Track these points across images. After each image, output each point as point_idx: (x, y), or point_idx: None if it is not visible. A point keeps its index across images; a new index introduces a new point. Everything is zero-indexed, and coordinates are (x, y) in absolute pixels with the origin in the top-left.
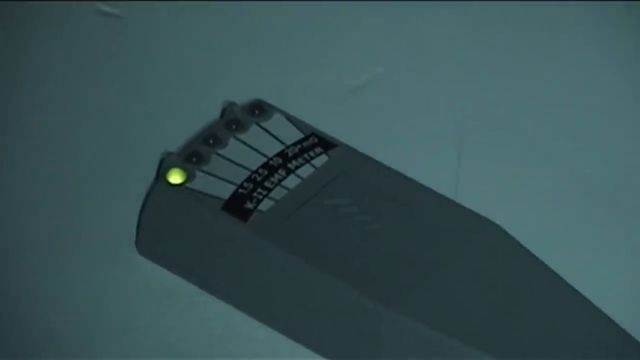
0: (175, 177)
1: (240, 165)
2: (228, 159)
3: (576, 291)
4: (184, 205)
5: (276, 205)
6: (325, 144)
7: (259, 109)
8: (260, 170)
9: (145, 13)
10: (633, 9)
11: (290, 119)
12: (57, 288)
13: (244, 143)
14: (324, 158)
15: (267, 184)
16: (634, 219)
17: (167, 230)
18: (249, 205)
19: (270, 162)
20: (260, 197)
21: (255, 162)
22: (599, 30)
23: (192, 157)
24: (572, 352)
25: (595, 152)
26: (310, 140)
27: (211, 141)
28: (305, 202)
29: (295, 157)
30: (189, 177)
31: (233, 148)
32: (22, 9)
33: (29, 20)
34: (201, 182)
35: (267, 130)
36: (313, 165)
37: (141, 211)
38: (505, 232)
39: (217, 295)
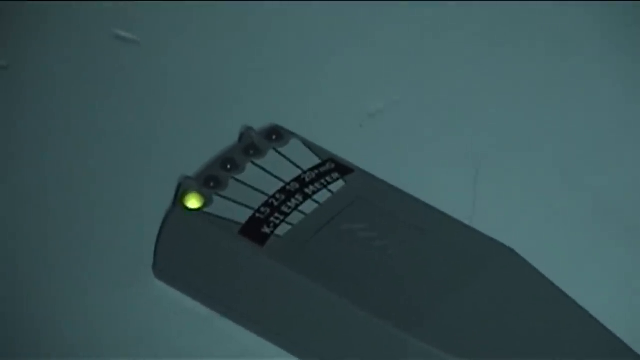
0: (193, 202)
1: (257, 190)
2: (245, 184)
3: (593, 317)
4: (201, 229)
5: (293, 230)
6: (342, 169)
7: (276, 134)
8: (277, 195)
9: (162, 38)
10: None
11: (307, 144)
12: (75, 311)
13: (261, 168)
14: (340, 183)
15: (284, 208)
16: None
17: (184, 255)
18: (266, 230)
19: (288, 187)
20: (278, 221)
21: (272, 187)
22: (616, 52)
23: (209, 181)
24: None
25: (611, 177)
26: (327, 166)
27: (229, 166)
28: (322, 227)
29: (312, 182)
30: (207, 201)
31: (250, 173)
32: (39, 34)
33: (45, 45)
34: (218, 207)
35: (284, 156)
36: (330, 191)
37: (158, 235)
38: (520, 258)
39: (234, 319)
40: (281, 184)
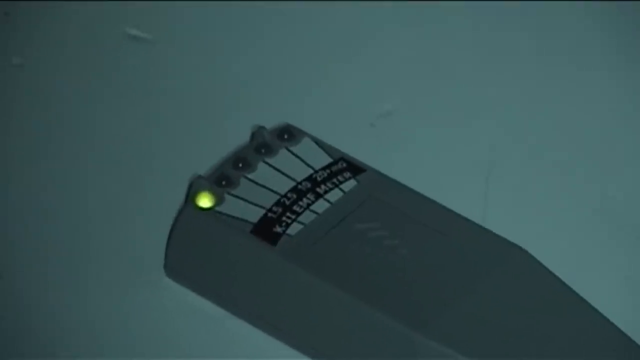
0: (205, 201)
1: (269, 189)
2: (257, 183)
3: (605, 318)
4: (213, 228)
5: (305, 229)
6: (354, 168)
7: (288, 134)
8: (289, 195)
9: (175, 37)
10: None
11: (319, 143)
12: (86, 310)
13: (273, 167)
14: (352, 183)
15: (296, 208)
16: None
17: (196, 254)
18: (278, 229)
19: (299, 186)
20: (289, 221)
21: (284, 186)
22: (627, 56)
23: (221, 180)
24: None
25: (624, 178)
26: (339, 165)
27: (240, 165)
28: (333, 227)
29: (324, 181)
30: (218, 200)
31: (262, 172)
32: (53, 33)
33: (60, 44)
34: (230, 206)
35: (296, 155)
36: (342, 190)
37: (170, 234)
38: (533, 258)
39: (245, 319)
40: (293, 183)
